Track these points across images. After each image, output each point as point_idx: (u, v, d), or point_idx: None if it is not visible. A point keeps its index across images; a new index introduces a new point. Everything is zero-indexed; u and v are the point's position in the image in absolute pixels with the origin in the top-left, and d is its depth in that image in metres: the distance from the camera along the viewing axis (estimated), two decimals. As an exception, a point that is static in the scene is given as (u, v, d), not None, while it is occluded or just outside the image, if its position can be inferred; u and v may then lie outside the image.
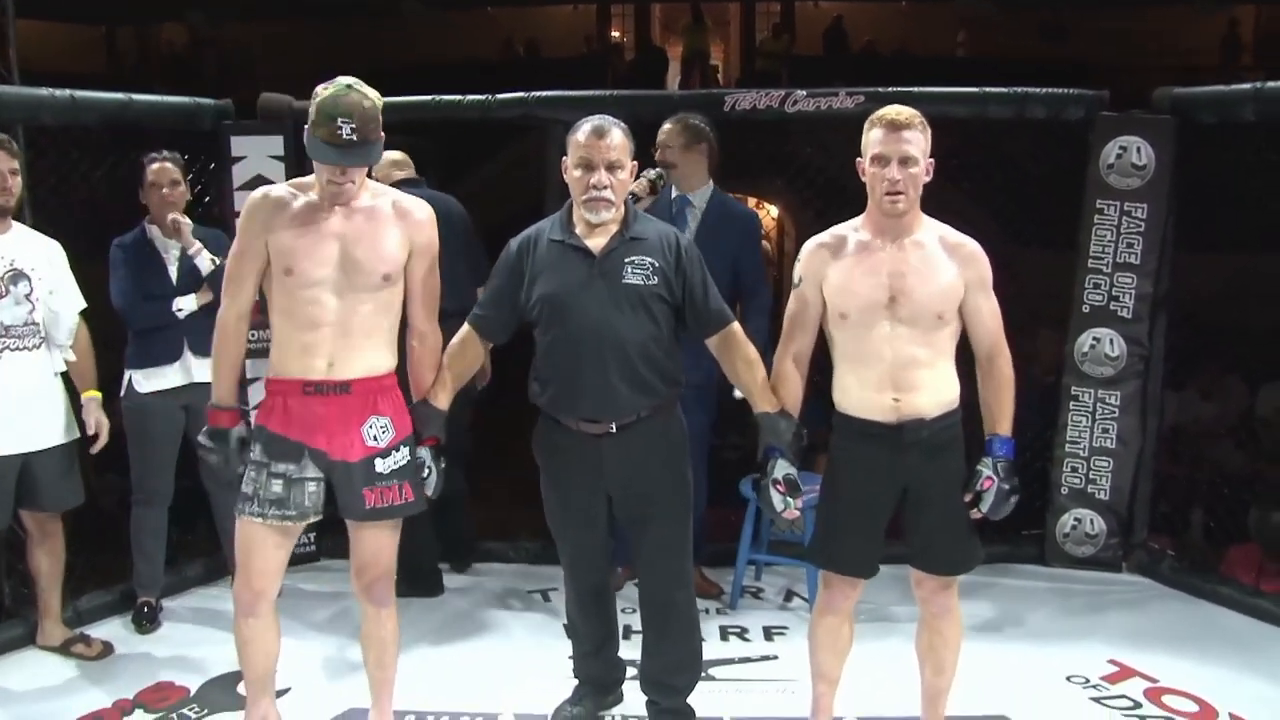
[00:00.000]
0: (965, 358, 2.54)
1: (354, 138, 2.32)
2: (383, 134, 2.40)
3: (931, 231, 2.50)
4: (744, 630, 3.55)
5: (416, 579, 3.62)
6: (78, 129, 3.72)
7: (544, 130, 3.98)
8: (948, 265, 2.47)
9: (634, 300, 2.54)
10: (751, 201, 10.34)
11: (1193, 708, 3.04)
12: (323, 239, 2.43)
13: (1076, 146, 3.99)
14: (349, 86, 2.36)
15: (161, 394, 3.45)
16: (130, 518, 3.53)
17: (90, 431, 3.26)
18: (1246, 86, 3.72)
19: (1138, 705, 3.06)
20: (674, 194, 3.58)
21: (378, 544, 2.57)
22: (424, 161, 3.94)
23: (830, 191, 4.65)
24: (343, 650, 3.29)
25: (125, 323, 3.45)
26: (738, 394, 2.77)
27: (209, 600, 3.76)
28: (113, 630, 3.48)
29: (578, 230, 2.59)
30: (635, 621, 2.97)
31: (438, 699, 3.03)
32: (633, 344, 2.54)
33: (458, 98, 3.99)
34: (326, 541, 4.03)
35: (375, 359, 2.50)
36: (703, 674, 2.92)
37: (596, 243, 2.57)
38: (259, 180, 3.71)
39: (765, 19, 15.33)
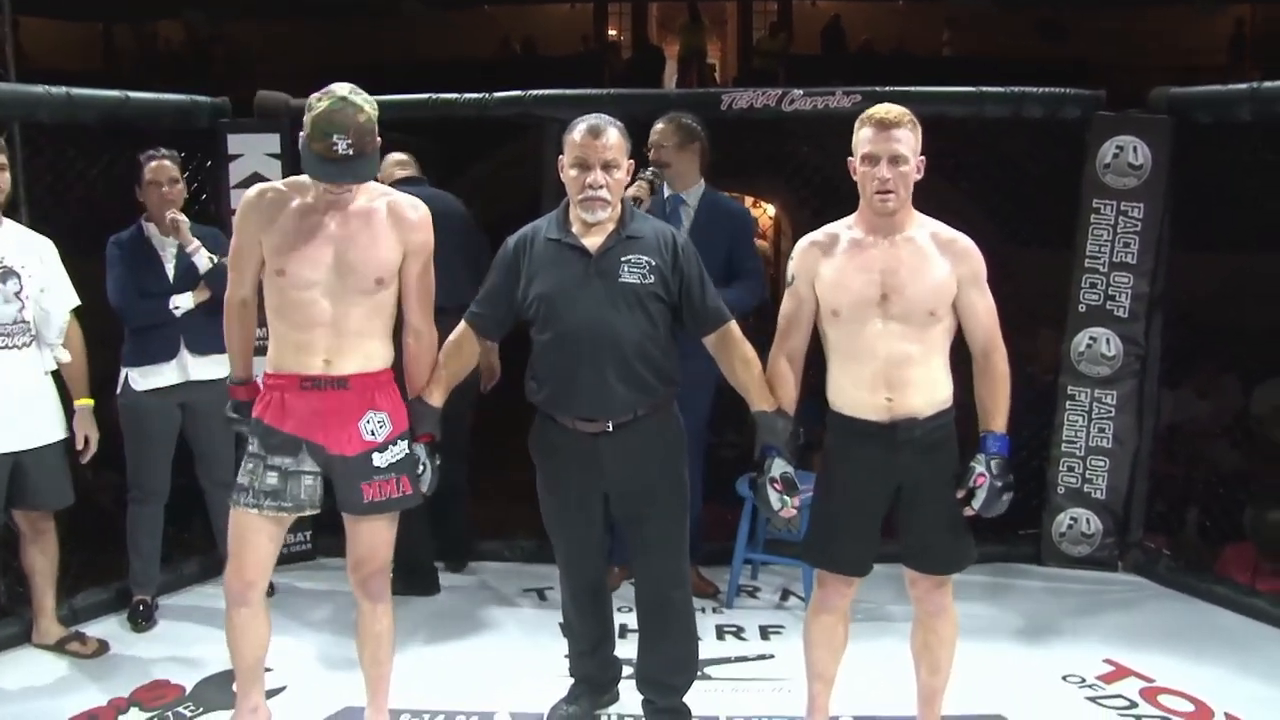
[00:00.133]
0: (960, 356, 2.54)
1: (349, 152, 2.32)
2: (379, 141, 2.40)
3: (924, 228, 2.50)
4: (740, 629, 3.55)
5: (412, 576, 3.62)
6: (74, 126, 3.70)
7: (541, 128, 3.98)
8: (940, 262, 2.47)
9: (630, 299, 2.54)
10: (749, 200, 10.35)
11: (1188, 707, 3.04)
12: (317, 242, 2.43)
13: (1073, 146, 3.99)
14: (344, 99, 2.33)
15: (158, 392, 3.44)
16: (126, 515, 3.53)
17: (79, 446, 3.26)
18: (1243, 86, 3.72)
19: (1133, 705, 3.06)
20: (667, 193, 3.57)
21: (375, 538, 2.57)
22: (422, 160, 3.93)
23: (827, 190, 4.63)
24: (338, 648, 3.28)
25: (122, 320, 3.44)
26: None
27: (205, 598, 3.75)
28: (108, 628, 3.47)
29: (574, 229, 2.59)
30: (631, 620, 2.98)
31: (433, 697, 3.03)
32: (629, 343, 2.54)
33: (455, 96, 3.99)
34: (322, 540, 4.03)
35: (372, 355, 2.51)
36: (699, 673, 2.92)
37: (593, 241, 2.57)
38: (256, 178, 3.71)
39: (762, 18, 15.32)
